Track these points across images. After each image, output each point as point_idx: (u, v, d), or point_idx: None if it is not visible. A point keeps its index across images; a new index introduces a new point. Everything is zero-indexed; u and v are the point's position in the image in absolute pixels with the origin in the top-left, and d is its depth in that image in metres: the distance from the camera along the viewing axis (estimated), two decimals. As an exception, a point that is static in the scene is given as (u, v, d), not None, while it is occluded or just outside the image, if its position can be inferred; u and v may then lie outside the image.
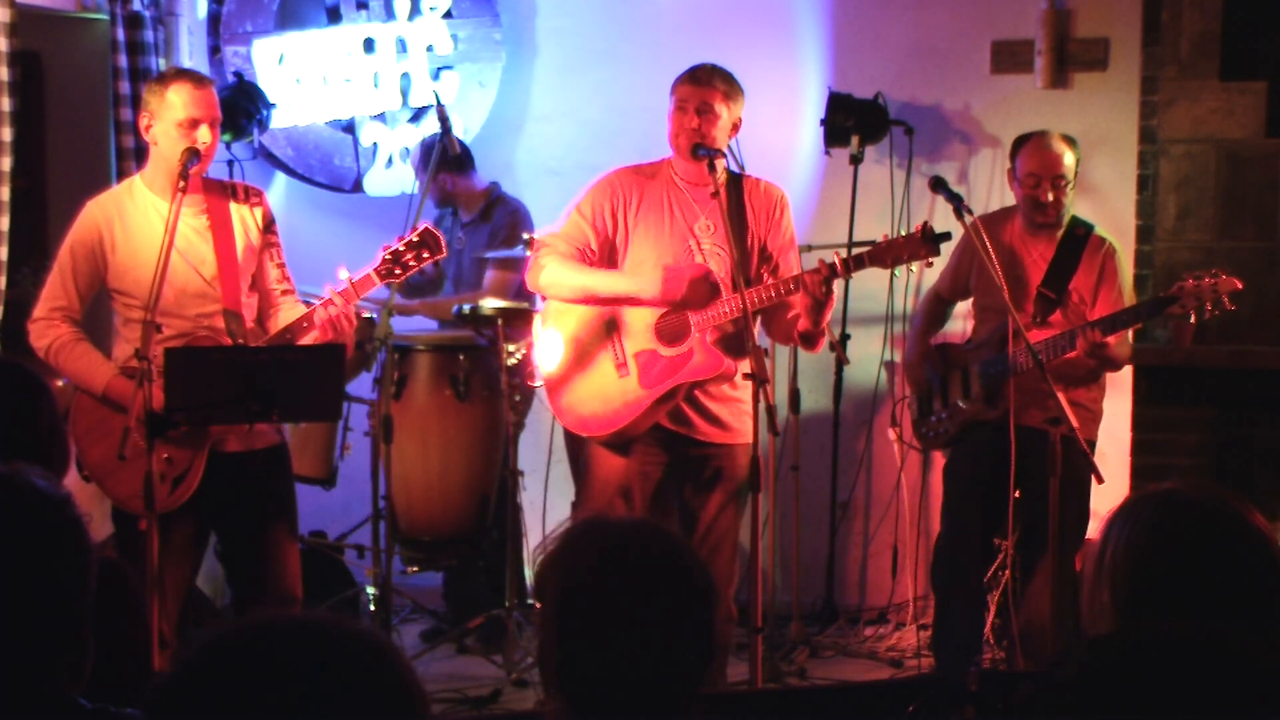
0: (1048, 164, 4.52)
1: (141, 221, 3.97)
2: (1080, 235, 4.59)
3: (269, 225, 4.10)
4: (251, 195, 4.10)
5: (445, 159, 5.16)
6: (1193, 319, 4.39)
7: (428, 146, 5.54)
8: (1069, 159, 4.53)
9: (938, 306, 4.91)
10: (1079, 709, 1.33)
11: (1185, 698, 1.31)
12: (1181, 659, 1.34)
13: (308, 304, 4.02)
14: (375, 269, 3.96)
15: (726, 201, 4.13)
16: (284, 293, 4.11)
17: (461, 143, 5.52)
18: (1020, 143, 4.62)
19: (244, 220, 4.05)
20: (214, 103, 3.96)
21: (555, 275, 4.19)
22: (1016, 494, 4.52)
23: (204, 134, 3.90)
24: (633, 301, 4.17)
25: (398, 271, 3.98)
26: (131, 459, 3.69)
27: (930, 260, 4.08)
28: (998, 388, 4.54)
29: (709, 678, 1.89)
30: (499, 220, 5.49)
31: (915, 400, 4.86)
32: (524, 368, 4.83)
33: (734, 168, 4.42)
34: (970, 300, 4.85)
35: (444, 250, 4.04)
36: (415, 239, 3.98)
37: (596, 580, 1.83)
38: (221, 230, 3.99)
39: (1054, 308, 4.54)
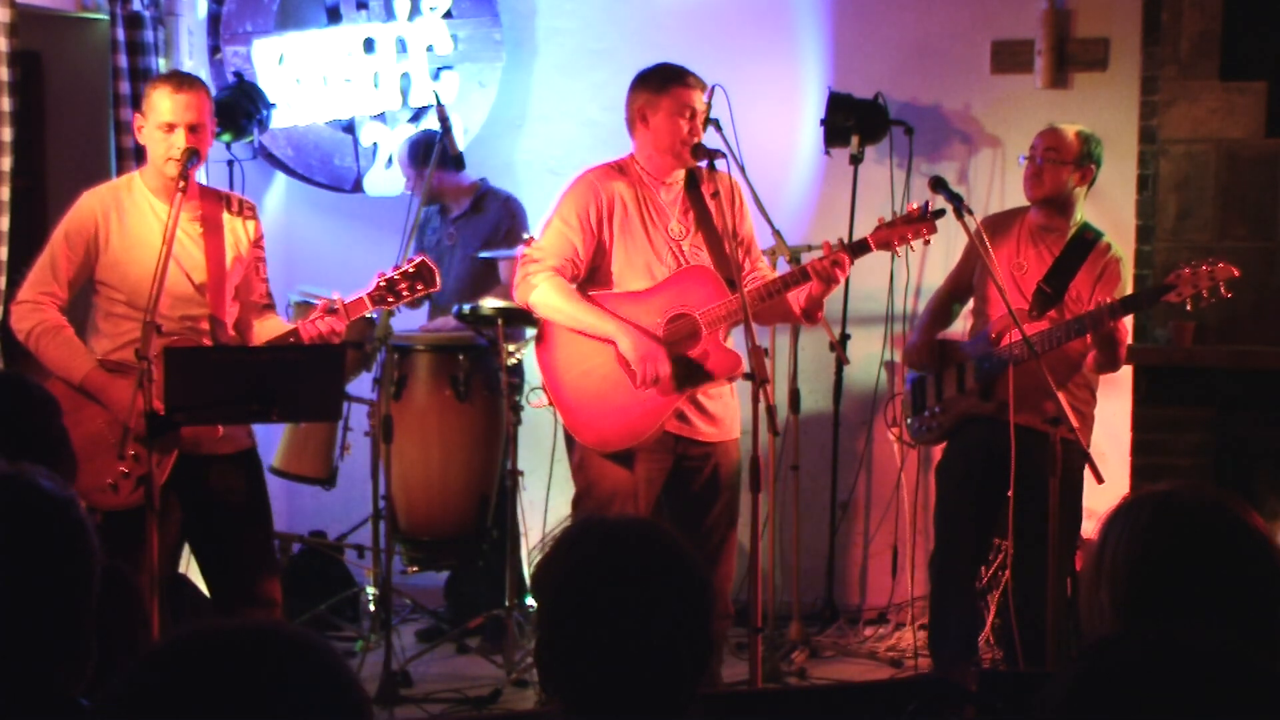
0: (1044, 136, 4.62)
1: (138, 218, 4.01)
2: (1089, 240, 4.61)
3: (258, 240, 4.17)
4: (245, 209, 4.16)
5: (445, 159, 5.17)
6: (1189, 307, 4.40)
7: (416, 144, 5.53)
8: (1068, 139, 4.57)
9: (945, 304, 4.92)
10: (1075, 712, 1.33)
11: (1180, 701, 1.31)
12: (1177, 662, 1.34)
13: (306, 304, 4.06)
14: (369, 294, 4.06)
15: (692, 199, 4.20)
16: (265, 307, 4.18)
17: (431, 137, 5.51)
18: None
19: (235, 232, 4.10)
20: (196, 106, 3.96)
21: (545, 297, 4.16)
22: (1009, 493, 4.54)
23: (178, 138, 3.93)
24: (612, 344, 4.16)
25: (390, 299, 4.08)
26: (99, 452, 3.68)
27: (928, 239, 4.21)
28: (993, 382, 4.56)
29: (707, 677, 1.89)
30: (495, 215, 5.48)
31: (910, 395, 4.86)
32: (526, 389, 4.82)
33: (734, 169, 4.41)
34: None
35: (437, 285, 4.15)
36: (411, 270, 4.08)
37: (593, 579, 1.83)
38: (213, 238, 4.03)
39: (1051, 304, 4.56)
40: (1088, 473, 4.08)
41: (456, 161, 5.34)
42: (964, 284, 4.85)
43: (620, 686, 1.80)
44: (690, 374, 4.16)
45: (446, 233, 5.53)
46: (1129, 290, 4.69)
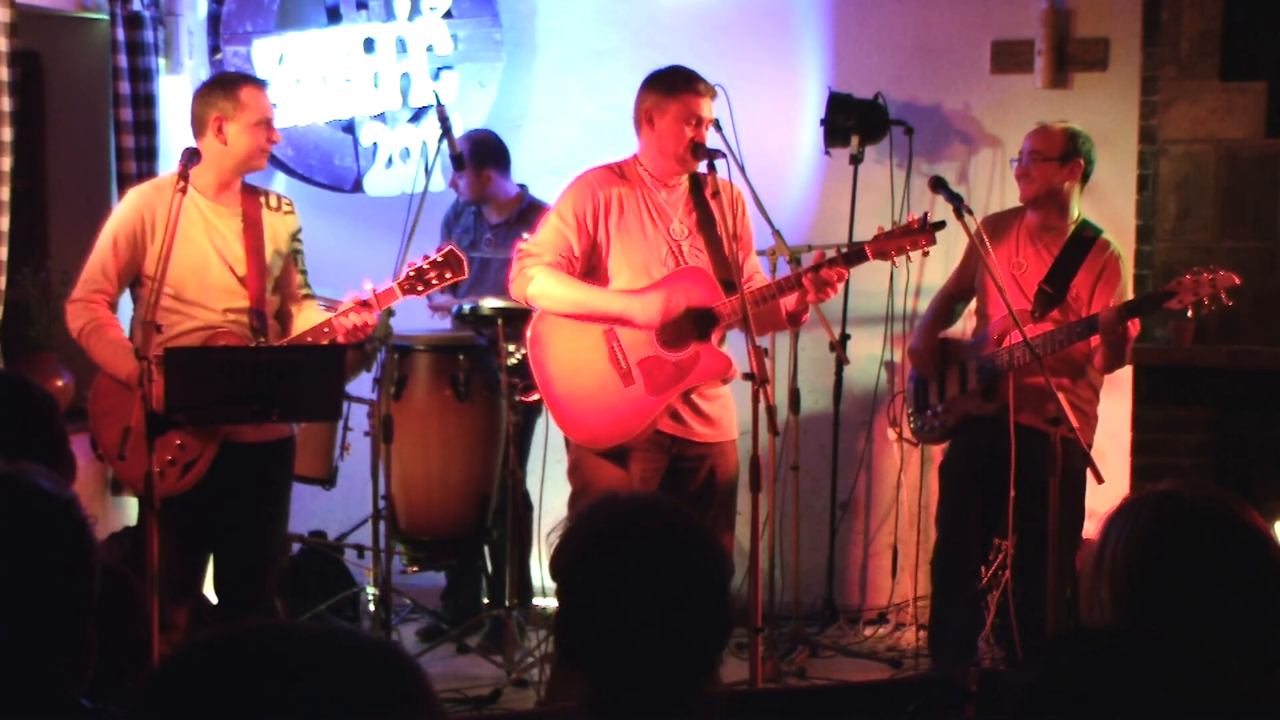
0: (1030, 137, 4.65)
1: (182, 214, 4.10)
2: (1088, 238, 4.62)
3: (296, 234, 4.31)
4: (284, 204, 4.32)
5: (490, 159, 5.19)
6: (1190, 314, 4.41)
7: (477, 144, 5.49)
8: (1051, 137, 4.59)
9: (947, 304, 4.95)
10: (1036, 708, 1.33)
11: (1136, 698, 1.31)
12: (1133, 659, 1.34)
13: (327, 308, 4.16)
14: (399, 283, 4.18)
15: (695, 201, 4.20)
16: (305, 296, 4.32)
17: (499, 139, 5.53)
18: None
19: (274, 227, 4.23)
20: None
21: (545, 287, 4.17)
22: (1011, 493, 4.55)
23: (275, 133, 4.20)
24: (623, 322, 4.16)
25: (419, 288, 4.18)
26: (141, 446, 3.74)
27: (927, 250, 4.15)
28: (995, 383, 4.57)
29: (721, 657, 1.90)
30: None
31: (912, 393, 4.88)
32: (522, 382, 4.83)
33: (734, 168, 4.42)
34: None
35: (465, 273, 4.25)
36: (439, 259, 4.18)
37: (613, 554, 1.83)
38: (253, 233, 4.18)
39: (1053, 305, 4.57)
40: (1088, 472, 4.08)
41: (456, 161, 5.33)
42: (966, 284, 4.86)
43: (645, 660, 1.80)
44: (681, 375, 4.16)
45: (485, 238, 5.52)
46: (1129, 286, 4.69)
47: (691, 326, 4.16)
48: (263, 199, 4.26)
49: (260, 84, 4.25)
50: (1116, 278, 4.60)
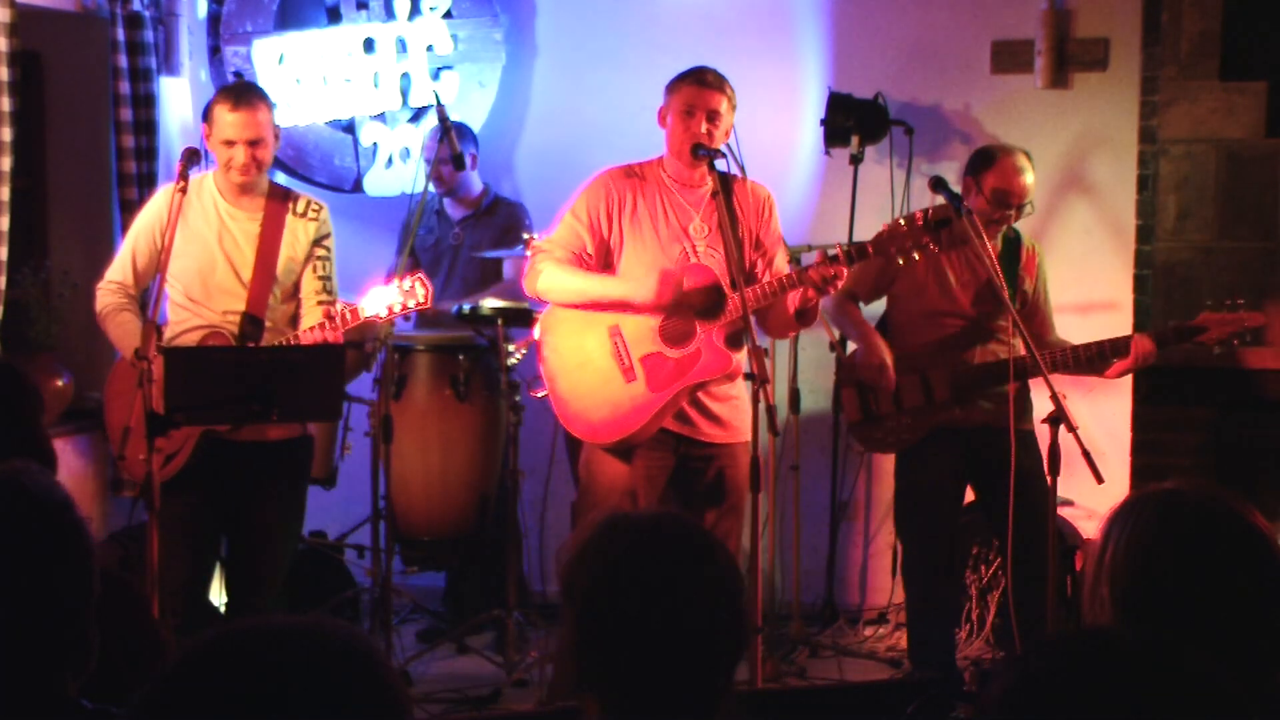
0: (1020, 190, 4.50)
1: (200, 214, 4.19)
2: (1012, 238, 4.64)
3: (320, 240, 4.29)
4: (310, 209, 4.29)
5: (446, 157, 5.18)
6: (1216, 350, 4.50)
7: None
8: (1032, 180, 4.53)
9: (855, 307, 4.70)
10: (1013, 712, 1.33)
11: (1116, 702, 1.31)
12: (1113, 662, 1.34)
13: None
14: (362, 305, 4.17)
15: (716, 202, 4.15)
16: (318, 303, 4.27)
17: (470, 131, 5.54)
18: (988, 160, 4.52)
19: (295, 232, 4.24)
20: (252, 123, 4.10)
21: (552, 280, 4.20)
22: (972, 496, 4.60)
23: (239, 153, 4.10)
24: (629, 306, 4.17)
25: (383, 312, 4.19)
26: (139, 443, 3.75)
27: (935, 248, 4.02)
28: (965, 392, 4.53)
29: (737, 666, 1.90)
30: (505, 218, 5.49)
31: (857, 401, 4.70)
32: (527, 377, 4.85)
33: (734, 169, 4.42)
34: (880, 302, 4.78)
35: (430, 303, 4.22)
36: (407, 285, 4.18)
37: (627, 573, 1.82)
38: (270, 238, 4.19)
39: (1003, 309, 4.52)
40: (1087, 472, 4.07)
41: (457, 161, 5.34)
42: (882, 288, 4.68)
43: (659, 677, 1.80)
44: (681, 373, 4.16)
45: (451, 233, 5.55)
46: (1049, 280, 4.73)
47: (696, 315, 4.15)
48: (291, 204, 4.26)
49: (235, 101, 4.11)
50: (1044, 275, 4.70)
